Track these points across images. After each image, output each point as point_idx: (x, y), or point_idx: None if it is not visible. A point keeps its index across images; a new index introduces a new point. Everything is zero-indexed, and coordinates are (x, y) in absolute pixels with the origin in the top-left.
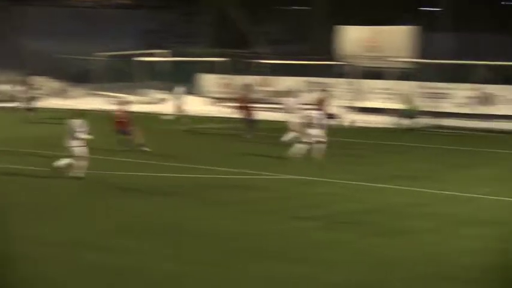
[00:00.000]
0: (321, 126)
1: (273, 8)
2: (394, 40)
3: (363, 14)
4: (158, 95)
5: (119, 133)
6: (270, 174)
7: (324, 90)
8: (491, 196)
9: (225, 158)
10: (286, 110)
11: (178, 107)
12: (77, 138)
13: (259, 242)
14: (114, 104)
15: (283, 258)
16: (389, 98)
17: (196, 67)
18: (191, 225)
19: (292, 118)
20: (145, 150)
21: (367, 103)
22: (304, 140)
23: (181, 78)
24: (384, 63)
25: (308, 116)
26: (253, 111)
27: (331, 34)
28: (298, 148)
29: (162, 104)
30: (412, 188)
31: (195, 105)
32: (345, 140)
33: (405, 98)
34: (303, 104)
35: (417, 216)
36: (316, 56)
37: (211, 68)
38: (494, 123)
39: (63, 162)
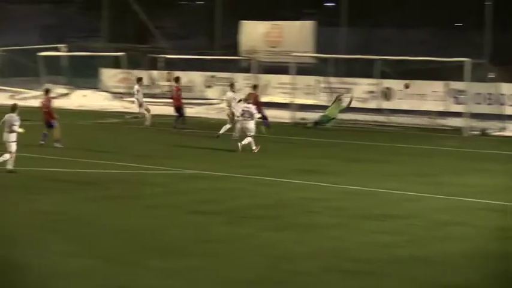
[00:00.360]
0: (253, 119)
1: (173, 2)
2: (296, 35)
3: (264, 8)
4: (62, 89)
5: (46, 125)
6: (171, 169)
7: (255, 86)
8: (392, 190)
9: (126, 153)
10: (227, 104)
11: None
12: (13, 132)
13: (158, 236)
14: (16, 99)
15: (182, 253)
16: (291, 93)
17: (99, 62)
18: (89, 220)
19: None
20: (58, 147)
21: (269, 98)
22: (248, 134)
23: (85, 73)
24: (285, 58)
25: (244, 109)
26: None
27: (233, 29)
28: (247, 140)
29: (66, 98)
30: (314, 183)
31: (97, 100)
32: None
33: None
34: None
35: (319, 210)
36: (218, 51)
37: (113, 63)
38: (394, 117)
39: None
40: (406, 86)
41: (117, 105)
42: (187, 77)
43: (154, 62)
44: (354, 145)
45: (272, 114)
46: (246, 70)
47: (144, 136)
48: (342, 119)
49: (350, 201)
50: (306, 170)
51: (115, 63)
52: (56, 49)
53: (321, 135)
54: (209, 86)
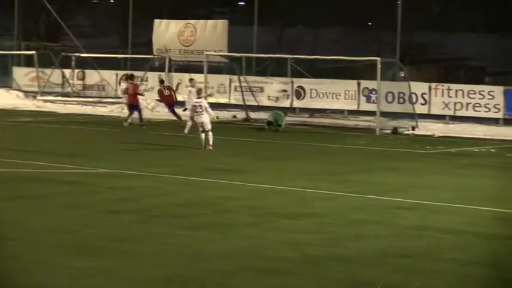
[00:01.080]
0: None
1: (85, 0)
2: (209, 34)
3: (177, 7)
4: None
5: None
6: (86, 168)
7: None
8: (306, 189)
9: (40, 151)
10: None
11: None
12: None
13: (73, 236)
14: None
15: (97, 252)
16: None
17: (11, 60)
18: (1, 220)
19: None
20: None
21: (181, 96)
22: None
23: None
24: (198, 57)
25: (196, 104)
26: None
27: (146, 27)
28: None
29: None
30: (229, 181)
31: (9, 99)
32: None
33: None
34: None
35: (234, 209)
36: (131, 50)
37: (25, 62)
38: (306, 117)
39: None
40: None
41: (29, 104)
42: (100, 75)
43: (66, 61)
44: (267, 144)
45: (185, 112)
46: (159, 69)
47: (58, 135)
48: (254, 119)
49: (264, 200)
50: (220, 169)
51: (27, 62)
52: None
53: (231, 134)
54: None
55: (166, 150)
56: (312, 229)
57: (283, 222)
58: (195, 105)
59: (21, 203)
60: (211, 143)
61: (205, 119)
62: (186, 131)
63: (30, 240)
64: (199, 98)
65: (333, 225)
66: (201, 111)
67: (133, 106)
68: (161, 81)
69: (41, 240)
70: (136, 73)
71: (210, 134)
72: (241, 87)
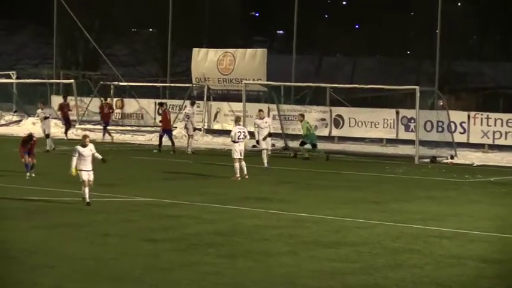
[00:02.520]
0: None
1: (125, 30)
2: (248, 63)
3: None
4: (14, 116)
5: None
6: (124, 196)
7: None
8: (344, 217)
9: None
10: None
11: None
12: None
13: (110, 264)
14: None
15: (134, 281)
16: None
17: (50, 89)
18: (41, 248)
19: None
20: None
21: (220, 125)
22: None
23: (35, 100)
24: (236, 86)
25: (240, 131)
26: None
27: (184, 56)
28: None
29: (17, 125)
30: (267, 210)
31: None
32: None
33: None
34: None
35: (271, 238)
36: (170, 78)
37: (64, 90)
38: (345, 145)
39: None
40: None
41: (67, 133)
42: (139, 104)
43: (105, 89)
44: (305, 172)
45: (222, 141)
46: (198, 98)
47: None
48: (292, 147)
49: (302, 229)
50: (258, 198)
51: (66, 90)
52: (7, 76)
53: (271, 162)
54: (161, 114)
55: (204, 179)
56: (350, 258)
57: (321, 251)
58: (239, 132)
59: (60, 231)
60: (245, 171)
61: (243, 147)
62: (266, 164)
63: (68, 268)
64: (238, 125)
65: (371, 254)
66: (242, 140)
67: (167, 131)
68: (160, 104)
69: (79, 269)
70: (174, 102)
71: (243, 162)
72: (279, 115)
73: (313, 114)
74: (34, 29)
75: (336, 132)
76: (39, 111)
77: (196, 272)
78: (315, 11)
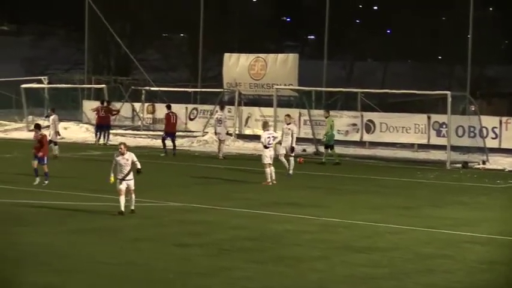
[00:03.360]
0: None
1: (156, 35)
2: (279, 68)
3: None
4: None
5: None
6: (155, 201)
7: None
8: (375, 223)
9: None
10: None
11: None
12: None
13: (142, 269)
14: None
15: (166, 286)
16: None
17: (81, 94)
18: (73, 253)
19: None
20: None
21: (251, 130)
22: None
23: (67, 105)
24: (268, 91)
25: (270, 136)
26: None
27: (215, 61)
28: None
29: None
30: (297, 215)
31: (79, 133)
32: (223, 167)
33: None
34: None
35: (302, 243)
36: (201, 83)
37: (95, 95)
38: (376, 150)
39: None
40: None
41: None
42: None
43: (136, 94)
44: (336, 177)
45: (253, 146)
46: (229, 103)
47: None
48: (323, 152)
49: (334, 234)
50: (289, 203)
51: (97, 95)
52: (39, 81)
53: (301, 167)
54: (192, 119)
55: (235, 184)
56: (382, 263)
57: (353, 256)
58: (269, 137)
59: (91, 236)
60: (274, 177)
61: (273, 152)
62: (291, 172)
63: (99, 273)
64: (267, 130)
65: (403, 260)
66: (272, 144)
67: (170, 134)
68: (168, 106)
69: (109, 274)
70: (205, 107)
71: (272, 168)
72: (310, 121)
73: (344, 119)
74: (66, 34)
75: (367, 138)
76: (53, 117)
77: (227, 277)
78: (347, 16)
